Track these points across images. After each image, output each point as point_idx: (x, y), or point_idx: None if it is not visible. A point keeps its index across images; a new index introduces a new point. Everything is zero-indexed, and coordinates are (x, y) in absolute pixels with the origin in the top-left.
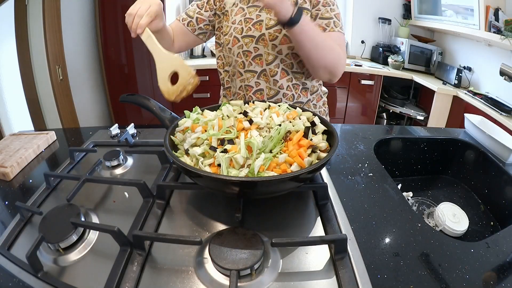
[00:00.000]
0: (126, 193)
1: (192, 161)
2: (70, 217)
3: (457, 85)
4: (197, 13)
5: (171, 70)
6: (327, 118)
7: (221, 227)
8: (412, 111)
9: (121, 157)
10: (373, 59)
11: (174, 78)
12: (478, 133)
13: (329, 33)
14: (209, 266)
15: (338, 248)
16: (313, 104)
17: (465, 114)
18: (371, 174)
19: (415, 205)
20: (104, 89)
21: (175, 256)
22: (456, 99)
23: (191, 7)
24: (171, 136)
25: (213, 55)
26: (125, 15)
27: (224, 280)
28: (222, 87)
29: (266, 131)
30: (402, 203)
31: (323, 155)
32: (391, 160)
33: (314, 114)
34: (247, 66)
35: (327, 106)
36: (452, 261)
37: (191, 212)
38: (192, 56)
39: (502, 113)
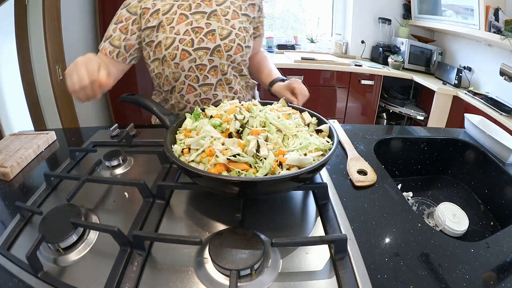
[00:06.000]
0: (126, 193)
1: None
2: (70, 217)
3: (457, 85)
4: (123, 41)
5: None
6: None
7: (221, 227)
8: (412, 111)
9: (121, 157)
10: (373, 59)
11: None
12: (478, 133)
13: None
14: (209, 266)
15: (338, 248)
16: (253, 97)
17: (465, 114)
18: None
19: (415, 205)
20: None
21: (175, 256)
22: (456, 99)
23: (113, 34)
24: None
25: None
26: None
27: (224, 280)
28: (165, 103)
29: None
30: (402, 203)
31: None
32: (391, 160)
33: (313, 115)
34: (202, 80)
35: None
36: (452, 261)
37: (191, 212)
38: None
39: (502, 113)
